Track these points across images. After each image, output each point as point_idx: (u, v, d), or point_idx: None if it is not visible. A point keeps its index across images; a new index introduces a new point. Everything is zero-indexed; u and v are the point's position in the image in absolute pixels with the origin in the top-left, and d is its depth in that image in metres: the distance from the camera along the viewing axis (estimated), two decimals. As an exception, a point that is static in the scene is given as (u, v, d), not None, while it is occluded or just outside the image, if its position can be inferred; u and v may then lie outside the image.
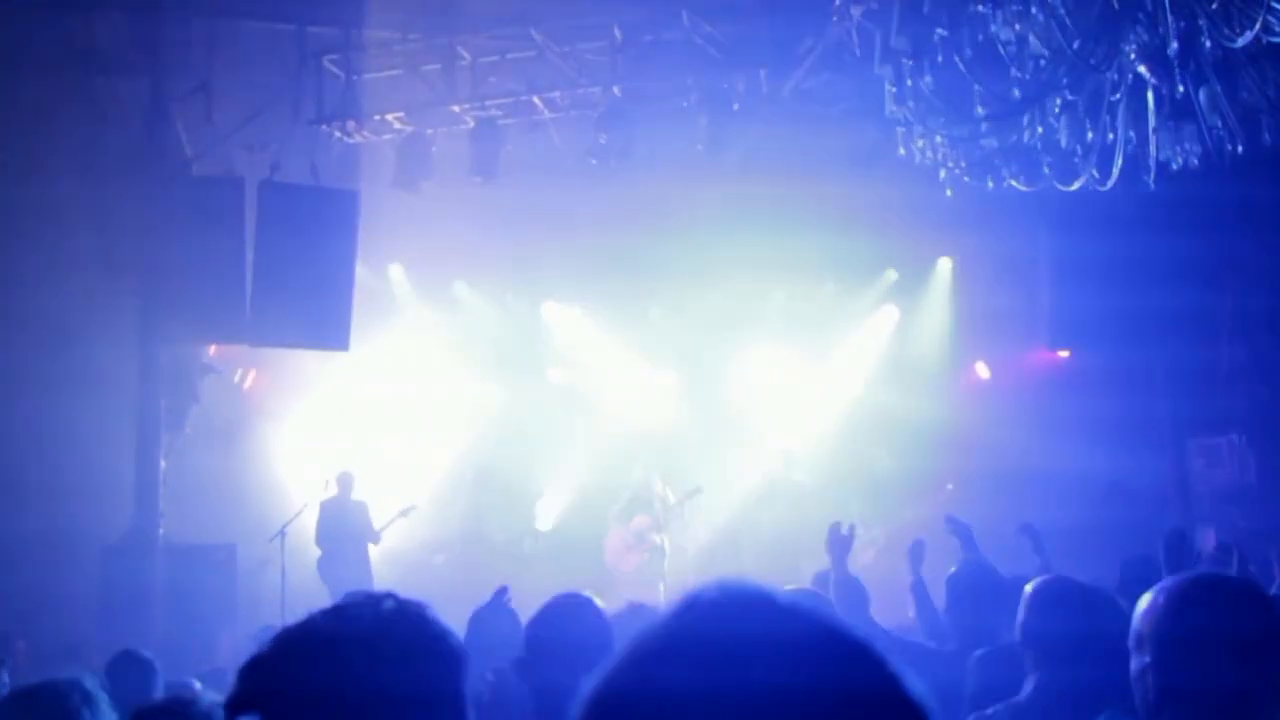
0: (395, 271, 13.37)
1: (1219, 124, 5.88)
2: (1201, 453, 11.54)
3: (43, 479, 9.13)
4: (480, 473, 12.07)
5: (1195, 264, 10.56)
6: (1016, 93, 5.68)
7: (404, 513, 11.61)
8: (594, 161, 9.93)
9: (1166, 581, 2.36)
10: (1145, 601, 2.36)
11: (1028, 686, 3.25)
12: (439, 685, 1.63)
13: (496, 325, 14.20)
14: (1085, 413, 13.07)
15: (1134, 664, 2.35)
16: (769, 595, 0.93)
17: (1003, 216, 11.25)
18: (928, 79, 5.70)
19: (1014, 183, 6.85)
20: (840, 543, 5.46)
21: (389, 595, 1.71)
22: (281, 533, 10.44)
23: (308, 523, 11.06)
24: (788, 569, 11.66)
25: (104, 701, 2.70)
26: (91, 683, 2.77)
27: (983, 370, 14.07)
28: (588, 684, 0.91)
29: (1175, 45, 4.81)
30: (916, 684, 0.91)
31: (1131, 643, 2.37)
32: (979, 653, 3.96)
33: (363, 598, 1.72)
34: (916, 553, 5.87)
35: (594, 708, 0.90)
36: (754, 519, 12.45)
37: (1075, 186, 6.83)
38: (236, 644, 9.39)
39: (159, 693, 4.47)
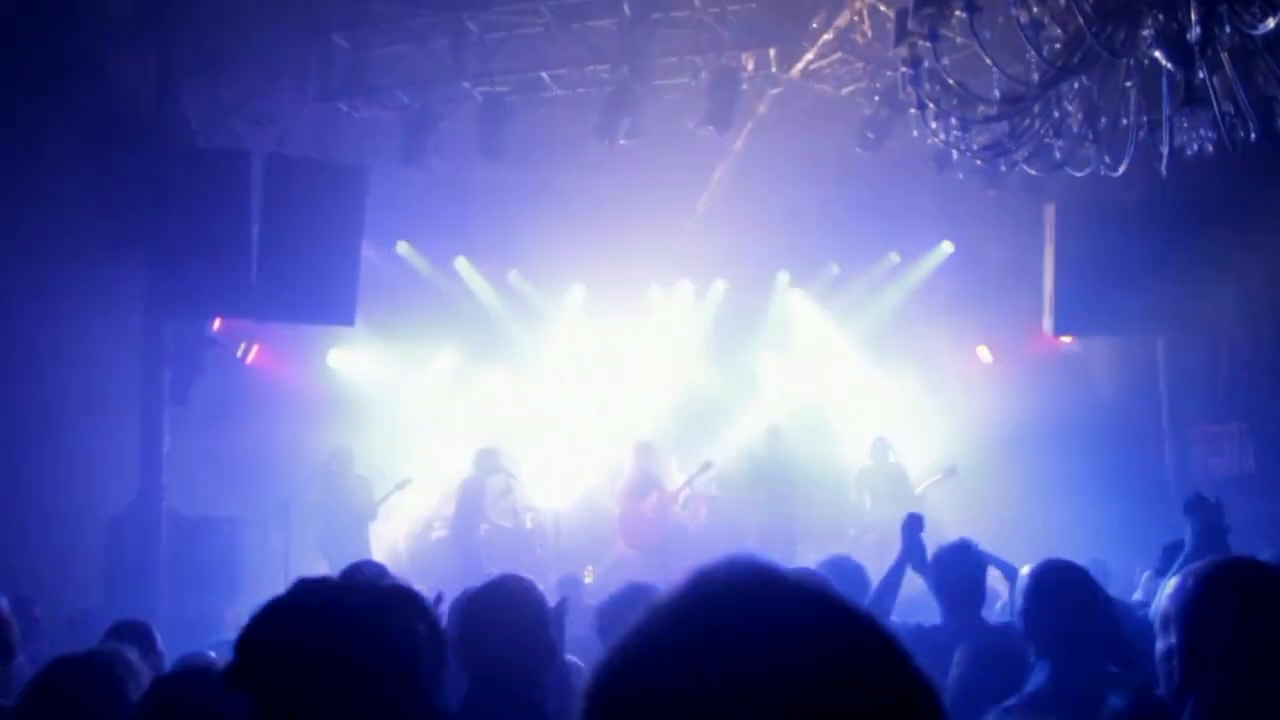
0: (403, 248, 13.33)
1: (1232, 111, 5.87)
2: (1202, 440, 11.56)
3: (47, 452, 9.12)
4: (483, 450, 12.08)
5: (1201, 251, 10.56)
6: (1035, 76, 5.66)
7: (400, 486, 11.64)
8: (603, 140, 9.89)
9: (1196, 565, 2.38)
10: (1173, 583, 2.38)
11: (1039, 676, 3.23)
12: (418, 661, 1.64)
13: (500, 303, 14.20)
14: (1087, 399, 13.11)
15: (1160, 645, 2.36)
16: (777, 575, 0.92)
17: (1008, 200, 11.27)
18: (944, 61, 5.68)
19: (1025, 167, 6.85)
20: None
21: (374, 569, 1.74)
22: (285, 505, 10.48)
23: (311, 496, 11.10)
24: (783, 547, 11.72)
25: (145, 675, 2.72)
26: (133, 654, 2.79)
27: (985, 354, 14.10)
28: (597, 666, 0.89)
29: (1196, 30, 4.79)
30: (927, 666, 0.91)
31: (1158, 624, 2.38)
32: (964, 646, 3.96)
33: (349, 572, 1.75)
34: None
35: (604, 689, 0.88)
36: (750, 498, 12.48)
37: (1086, 172, 6.83)
38: (240, 616, 9.42)
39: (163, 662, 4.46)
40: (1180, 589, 2.34)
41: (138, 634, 4.31)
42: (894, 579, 4.78)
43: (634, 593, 4.42)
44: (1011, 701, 3.14)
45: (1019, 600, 3.40)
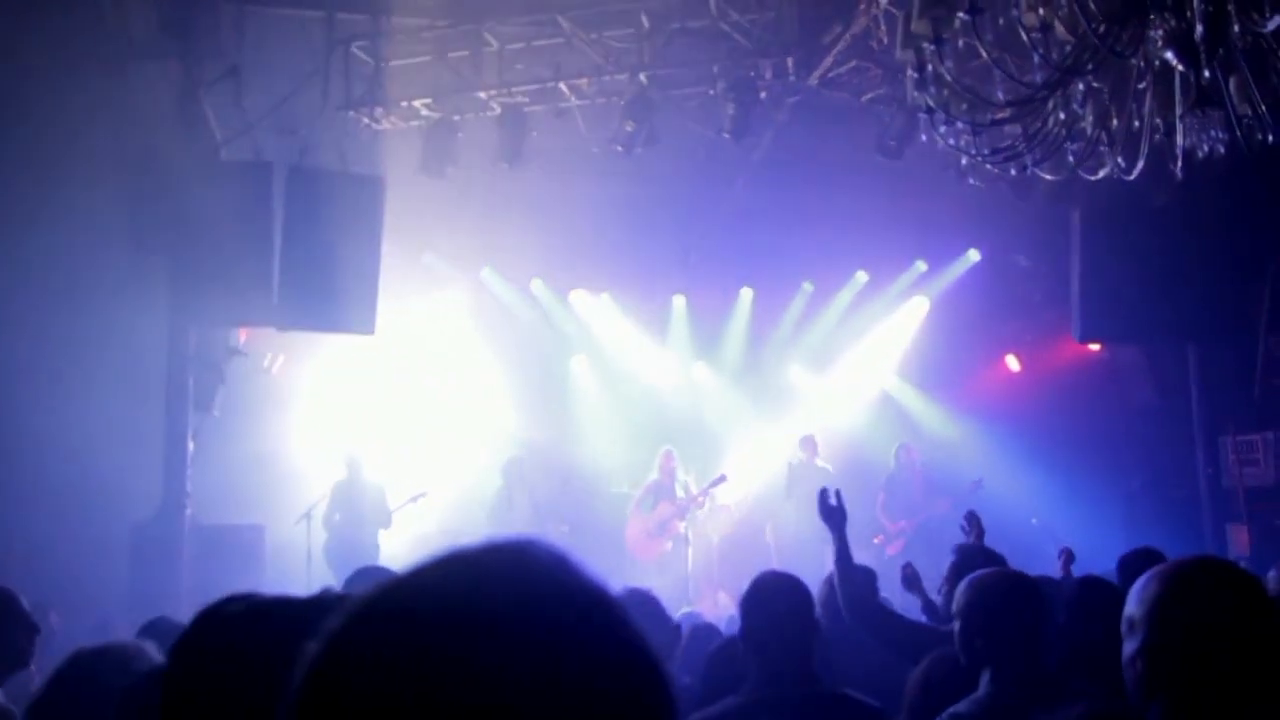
0: (428, 258, 13.40)
1: (1249, 113, 5.77)
2: (1235, 450, 11.36)
3: (72, 458, 9.23)
4: (508, 461, 12.12)
5: (1231, 256, 10.40)
6: (1038, 79, 5.59)
7: (414, 499, 11.60)
8: (619, 149, 9.90)
9: (1162, 566, 2.32)
10: (1139, 585, 2.32)
11: (982, 688, 3.20)
12: None
13: (523, 312, 14.24)
14: (1116, 408, 12.94)
15: (1126, 649, 2.31)
16: (520, 556, 0.89)
17: (1034, 207, 11.16)
18: (948, 64, 5.62)
19: (1038, 171, 6.77)
20: (833, 515, 5.05)
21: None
22: (307, 515, 10.54)
23: (323, 503, 11.12)
24: (814, 558, 11.62)
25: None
26: (153, 648, 2.81)
27: (1013, 363, 13.96)
28: (320, 646, 0.86)
29: (1200, 29, 4.72)
30: (655, 647, 0.88)
31: (1123, 627, 2.33)
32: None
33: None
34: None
35: (319, 667, 0.85)
36: (778, 508, 12.41)
37: (1100, 175, 6.74)
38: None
39: None
40: (1145, 591, 2.28)
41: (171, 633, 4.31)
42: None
43: (630, 598, 4.42)
44: (960, 707, 3.10)
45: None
